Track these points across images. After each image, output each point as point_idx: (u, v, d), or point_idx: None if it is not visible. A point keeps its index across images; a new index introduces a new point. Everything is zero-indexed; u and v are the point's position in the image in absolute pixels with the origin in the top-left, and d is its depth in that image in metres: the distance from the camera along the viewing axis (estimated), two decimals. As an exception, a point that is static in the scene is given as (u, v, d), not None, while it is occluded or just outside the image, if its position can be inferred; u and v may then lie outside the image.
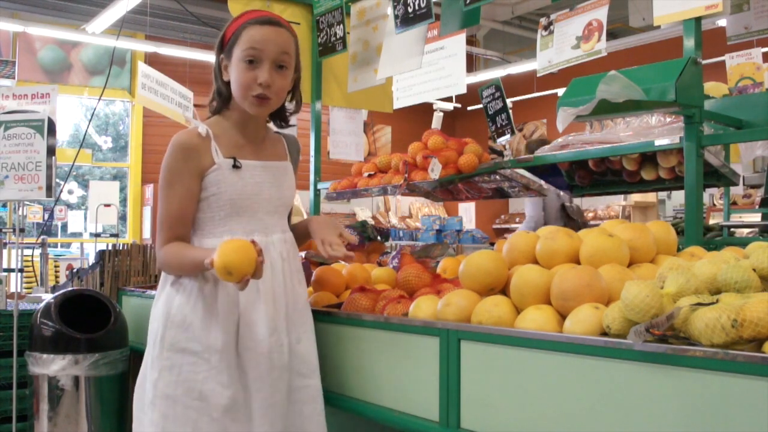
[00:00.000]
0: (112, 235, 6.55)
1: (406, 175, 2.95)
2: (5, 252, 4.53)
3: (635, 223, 1.80)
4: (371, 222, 4.58)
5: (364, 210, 10.73)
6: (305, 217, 7.40)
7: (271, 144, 1.91)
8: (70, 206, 9.65)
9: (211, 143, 1.76)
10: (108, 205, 6.84)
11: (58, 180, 3.91)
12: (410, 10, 2.79)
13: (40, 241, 5.66)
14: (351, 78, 3.35)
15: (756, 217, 5.21)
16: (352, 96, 3.68)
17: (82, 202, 10.07)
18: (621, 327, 1.31)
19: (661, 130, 2.48)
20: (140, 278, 3.59)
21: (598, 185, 3.07)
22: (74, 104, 9.97)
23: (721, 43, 3.44)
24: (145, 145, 9.67)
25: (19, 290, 4.39)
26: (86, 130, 6.00)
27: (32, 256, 5.66)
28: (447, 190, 3.19)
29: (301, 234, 1.97)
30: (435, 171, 2.82)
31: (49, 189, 3.27)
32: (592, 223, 9.29)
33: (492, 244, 5.95)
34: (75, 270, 3.94)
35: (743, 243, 1.94)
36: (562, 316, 1.51)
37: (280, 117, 1.94)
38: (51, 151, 3.29)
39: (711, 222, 5.31)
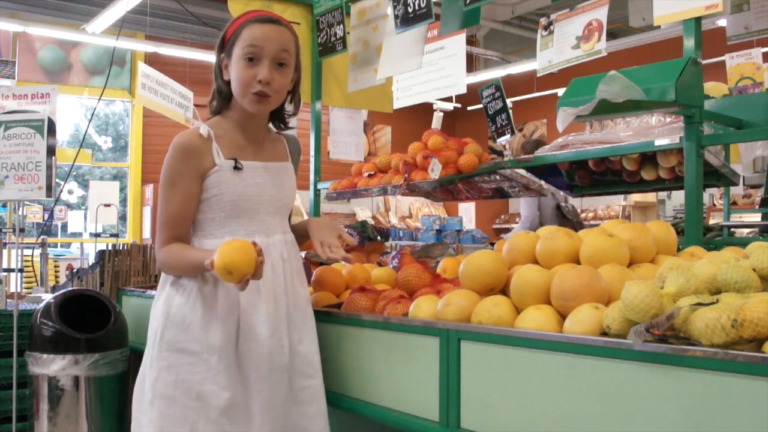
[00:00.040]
0: (112, 235, 6.55)
1: (406, 175, 2.95)
2: (5, 252, 4.53)
3: (635, 223, 1.80)
4: (371, 222, 4.58)
5: (364, 210, 10.73)
6: (305, 217, 7.39)
7: (272, 144, 1.91)
8: (70, 206, 9.65)
9: (213, 144, 1.76)
10: (108, 205, 6.83)
11: (58, 180, 3.91)
12: (410, 10, 2.79)
13: (40, 241, 5.66)
14: (351, 78, 3.35)
15: (756, 217, 5.20)
16: (352, 96, 3.67)
17: (82, 202, 10.07)
18: (621, 327, 1.31)
19: (661, 130, 2.48)
20: (140, 278, 3.59)
21: (598, 185, 3.07)
22: (74, 104, 9.97)
23: (721, 43, 3.44)
24: (145, 145, 9.67)
25: (19, 290, 4.38)
26: (86, 130, 6.00)
27: (32, 256, 5.66)
28: (447, 190, 3.19)
29: (301, 235, 1.98)
30: (435, 171, 2.82)
31: (49, 189, 3.27)
32: (592, 222, 9.32)
33: (492, 244, 5.95)
34: (75, 270, 3.94)
35: (743, 243, 1.94)
36: (562, 316, 1.51)
37: (280, 119, 1.94)
38: (51, 151, 3.29)
39: (711, 222, 5.31)
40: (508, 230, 10.75)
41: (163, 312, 1.76)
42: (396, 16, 2.86)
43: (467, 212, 10.98)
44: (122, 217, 9.55)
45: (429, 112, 9.44)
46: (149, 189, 9.45)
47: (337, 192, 3.43)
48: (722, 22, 3.93)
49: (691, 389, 1.16)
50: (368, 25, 3.23)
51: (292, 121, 2.00)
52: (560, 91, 3.95)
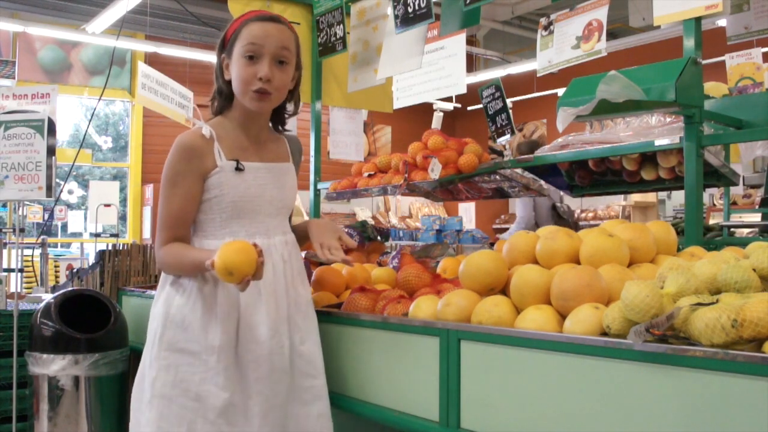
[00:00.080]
0: (112, 235, 6.55)
1: (406, 175, 2.95)
2: (5, 252, 4.53)
3: (635, 223, 1.80)
4: (371, 222, 4.58)
5: (364, 210, 10.72)
6: (305, 217, 7.39)
7: (273, 145, 1.91)
8: (70, 206, 9.65)
9: (215, 145, 1.76)
10: (108, 205, 6.83)
11: (58, 180, 3.91)
12: (410, 10, 2.79)
13: (40, 241, 5.66)
14: (351, 78, 3.35)
15: (756, 217, 5.20)
16: (352, 96, 3.67)
17: (82, 202, 10.07)
18: (621, 327, 1.31)
19: (661, 130, 2.48)
20: (140, 278, 3.59)
21: (598, 185, 3.07)
22: (74, 104, 9.97)
23: (721, 43, 3.44)
24: (145, 145, 9.67)
25: (19, 290, 4.39)
26: (86, 130, 6.00)
27: (32, 256, 5.66)
28: (447, 190, 3.19)
29: (301, 236, 1.98)
30: (435, 171, 2.82)
31: (49, 189, 3.27)
32: (592, 222, 9.32)
33: (492, 244, 5.95)
34: (75, 270, 3.94)
35: (743, 243, 1.94)
36: (562, 316, 1.51)
37: (279, 120, 1.94)
38: (51, 151, 3.29)
39: (711, 222, 5.31)
40: (507, 230, 10.74)
41: (162, 312, 1.76)
42: (396, 16, 2.86)
43: (467, 212, 10.98)
44: (122, 217, 9.55)
45: (429, 112, 9.43)
46: (149, 189, 9.45)
47: (337, 192, 3.43)
48: (722, 22, 3.92)
49: (691, 389, 1.16)
50: (368, 25, 3.23)
51: (292, 121, 2.00)
52: (560, 91, 3.95)
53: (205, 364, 1.70)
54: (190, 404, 1.69)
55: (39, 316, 2.94)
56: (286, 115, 1.95)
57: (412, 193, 3.15)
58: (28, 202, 6.48)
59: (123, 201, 9.74)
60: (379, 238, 2.92)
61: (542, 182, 3.14)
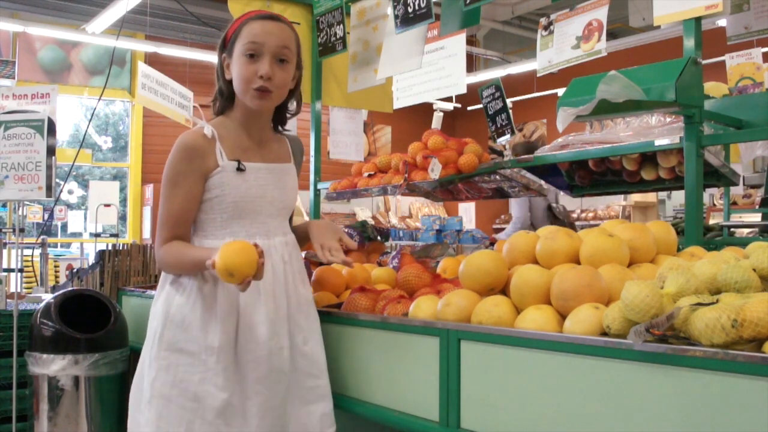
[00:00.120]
0: (112, 235, 6.55)
1: (406, 175, 2.95)
2: (5, 252, 4.53)
3: (635, 223, 1.80)
4: (371, 222, 4.58)
5: (364, 210, 10.72)
6: (305, 217, 7.39)
7: (275, 145, 1.91)
8: (70, 206, 9.65)
9: (216, 145, 1.76)
10: (108, 205, 6.83)
11: (58, 180, 3.91)
12: (410, 10, 2.79)
13: (40, 241, 5.66)
14: (351, 78, 3.35)
15: (756, 217, 5.20)
16: (352, 96, 3.67)
17: (82, 202, 10.07)
18: (621, 327, 1.31)
19: (661, 130, 2.48)
20: (140, 278, 3.59)
21: (598, 185, 3.07)
22: (74, 104, 9.97)
23: (721, 43, 3.44)
24: (145, 145, 9.67)
25: (19, 290, 4.38)
26: (86, 130, 5.99)
27: (32, 256, 5.65)
28: (447, 190, 3.19)
29: (301, 237, 1.98)
30: (435, 171, 2.82)
31: (49, 189, 3.27)
32: (592, 222, 9.32)
33: (492, 244, 5.95)
34: (75, 270, 3.94)
35: (743, 243, 1.94)
36: (562, 316, 1.51)
37: (281, 120, 1.94)
38: (51, 151, 3.29)
39: (711, 222, 5.31)
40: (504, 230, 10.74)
41: (162, 311, 1.76)
42: (396, 16, 2.86)
43: (467, 212, 10.98)
44: (122, 217, 9.55)
45: (429, 112, 9.43)
46: (149, 189, 9.45)
47: (337, 192, 3.43)
48: (722, 22, 3.92)
49: (691, 389, 1.16)
50: (368, 25, 3.23)
51: (292, 121, 2.00)
52: (560, 91, 3.95)
53: (205, 365, 1.70)
54: (189, 404, 1.69)
55: (39, 316, 2.94)
56: (288, 115, 1.95)
57: (412, 193, 3.15)
58: (28, 202, 6.48)
59: (123, 201, 9.74)
60: (379, 238, 2.92)
61: (542, 182, 3.14)
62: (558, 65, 2.66)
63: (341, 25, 3.29)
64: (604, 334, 1.36)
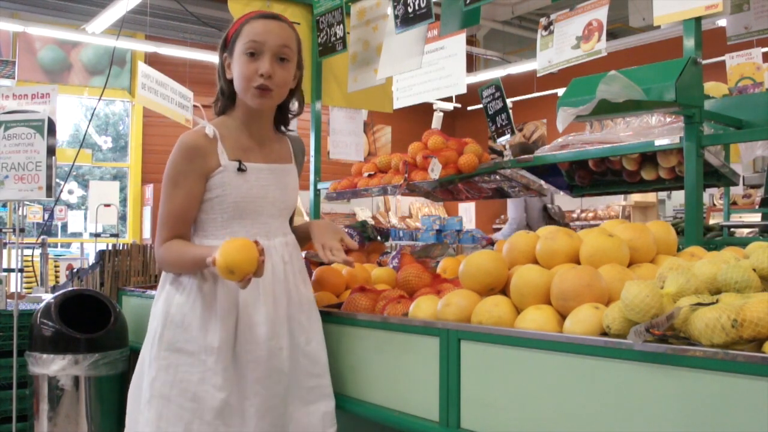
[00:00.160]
0: (112, 235, 6.55)
1: (406, 175, 2.95)
2: (5, 252, 4.53)
3: (635, 223, 1.80)
4: (371, 222, 4.58)
5: (364, 210, 10.72)
6: (306, 217, 7.39)
7: (276, 145, 1.91)
8: (70, 206, 9.65)
9: (218, 145, 1.76)
10: (108, 205, 6.84)
11: (58, 180, 3.91)
12: (410, 10, 2.79)
13: (40, 241, 5.66)
14: (351, 78, 3.35)
15: (756, 217, 5.20)
16: (352, 96, 3.67)
17: (82, 202, 10.08)
18: (621, 327, 1.31)
19: (661, 130, 2.48)
20: (140, 278, 3.59)
21: (598, 185, 3.07)
22: (74, 104, 9.97)
23: (721, 43, 3.44)
24: (145, 145, 9.67)
25: (19, 290, 4.38)
26: (86, 130, 5.99)
27: (32, 256, 5.66)
28: (447, 190, 3.19)
29: (302, 237, 1.98)
30: (435, 171, 2.82)
31: (49, 189, 3.27)
32: (592, 222, 9.32)
33: (492, 243, 5.96)
34: (75, 270, 3.94)
35: (743, 243, 1.94)
36: (562, 316, 1.51)
37: (283, 120, 1.94)
38: (51, 151, 3.29)
39: (711, 222, 5.31)
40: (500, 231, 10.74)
41: (162, 311, 1.76)
42: (396, 16, 2.86)
43: (467, 212, 10.98)
44: (122, 217, 9.55)
45: (429, 112, 9.43)
46: (149, 189, 9.45)
47: (337, 192, 3.43)
48: (722, 22, 3.92)
49: (691, 389, 1.16)
50: (368, 25, 3.23)
51: (292, 121, 2.00)
52: (560, 91, 3.95)
53: (204, 364, 1.70)
54: (188, 405, 1.69)
55: (39, 316, 2.94)
56: (290, 116, 1.95)
57: (412, 193, 3.15)
58: (28, 202, 6.48)
59: (123, 201, 9.74)
60: (379, 238, 2.92)
61: (542, 182, 3.14)
62: (558, 65, 2.66)
63: (341, 25, 3.29)
64: (604, 334, 1.36)
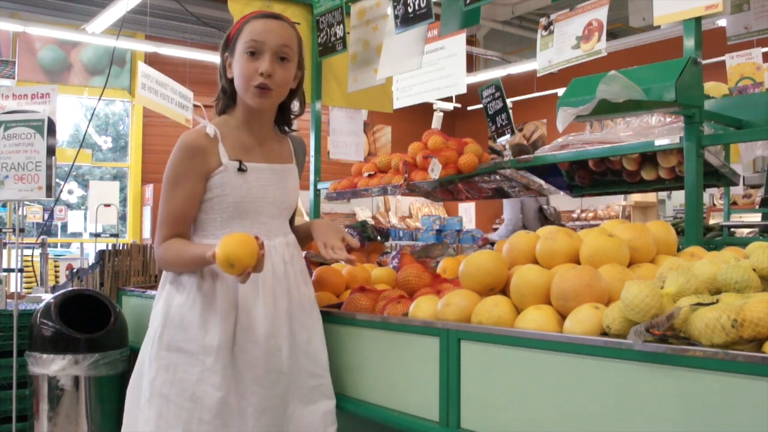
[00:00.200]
0: (112, 235, 6.55)
1: (406, 175, 2.95)
2: (5, 252, 4.53)
3: (635, 223, 1.80)
4: (371, 222, 4.58)
5: (364, 210, 10.73)
6: (306, 217, 7.39)
7: (277, 145, 1.91)
8: (70, 206, 9.65)
9: (219, 144, 1.76)
10: (108, 205, 6.83)
11: (58, 180, 3.91)
12: (410, 10, 2.79)
13: (40, 241, 5.66)
14: (351, 78, 3.35)
15: (756, 217, 5.20)
16: (352, 96, 3.67)
17: (82, 202, 10.08)
18: (621, 327, 1.31)
19: (661, 130, 2.48)
20: (140, 278, 3.59)
21: (598, 185, 3.07)
22: (74, 104, 9.97)
23: (721, 43, 3.44)
24: (145, 145, 9.67)
25: (19, 290, 4.38)
26: (86, 130, 5.99)
27: (32, 256, 5.66)
28: (447, 190, 3.19)
29: (303, 236, 1.98)
30: (435, 171, 2.82)
31: (49, 189, 3.27)
32: (592, 222, 9.32)
33: (491, 244, 5.96)
34: (75, 270, 3.94)
35: (743, 243, 1.94)
36: (562, 316, 1.51)
37: (285, 121, 1.94)
38: (51, 151, 3.29)
39: (711, 222, 5.31)
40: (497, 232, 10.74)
41: (163, 311, 1.76)
42: (396, 16, 2.86)
43: (467, 212, 10.98)
44: (122, 217, 9.55)
45: (429, 112, 9.43)
46: (149, 189, 9.45)
47: (337, 192, 3.43)
48: (722, 22, 3.92)
49: (691, 389, 1.16)
50: (368, 25, 3.23)
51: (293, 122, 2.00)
52: (560, 91, 3.95)
53: (203, 364, 1.70)
54: (187, 404, 1.69)
55: (39, 316, 2.94)
56: (292, 116, 1.95)
57: (412, 193, 3.15)
58: (28, 202, 6.48)
59: (123, 201, 9.74)
60: (379, 238, 2.92)
61: (542, 182, 3.14)
62: (558, 65, 2.66)
63: (341, 25, 3.29)
64: (604, 334, 1.36)
